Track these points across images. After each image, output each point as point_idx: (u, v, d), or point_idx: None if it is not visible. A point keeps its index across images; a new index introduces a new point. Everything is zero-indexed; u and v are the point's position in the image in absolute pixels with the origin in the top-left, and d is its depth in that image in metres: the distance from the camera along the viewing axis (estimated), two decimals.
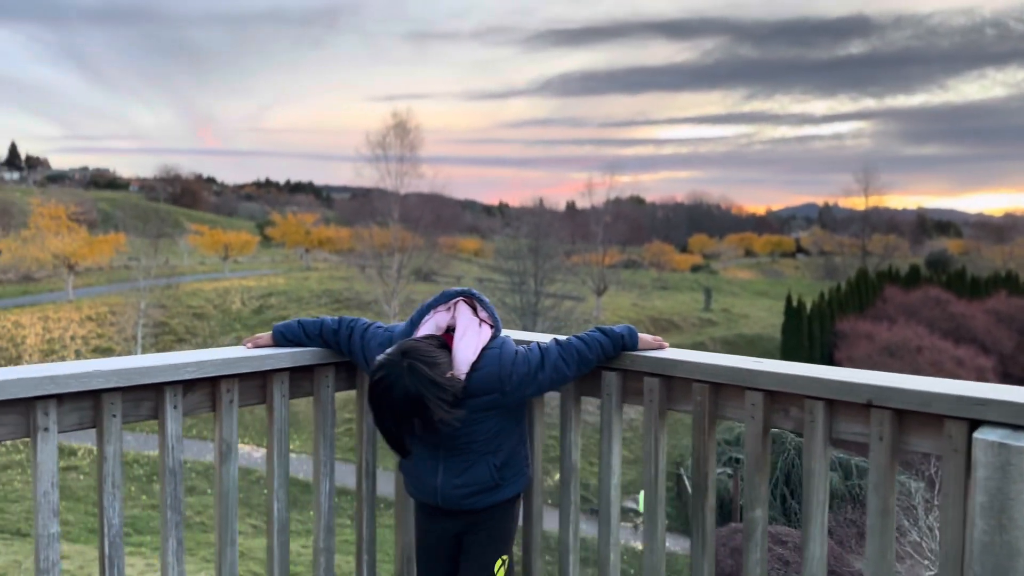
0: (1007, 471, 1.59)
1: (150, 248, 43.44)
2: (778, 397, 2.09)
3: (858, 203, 75.77)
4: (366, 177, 40.16)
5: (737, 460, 21.14)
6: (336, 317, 2.62)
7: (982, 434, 1.65)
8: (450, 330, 2.38)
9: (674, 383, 2.32)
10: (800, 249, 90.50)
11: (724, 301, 48.00)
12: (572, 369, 2.36)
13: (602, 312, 39.45)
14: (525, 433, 2.55)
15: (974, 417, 1.71)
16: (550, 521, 2.84)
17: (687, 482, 20.45)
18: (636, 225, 71.32)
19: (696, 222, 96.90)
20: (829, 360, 33.57)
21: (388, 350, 2.25)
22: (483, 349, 2.34)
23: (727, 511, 19.76)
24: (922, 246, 79.05)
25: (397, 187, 37.35)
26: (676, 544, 19.06)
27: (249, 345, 2.51)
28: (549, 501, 2.84)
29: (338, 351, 2.56)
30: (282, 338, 2.55)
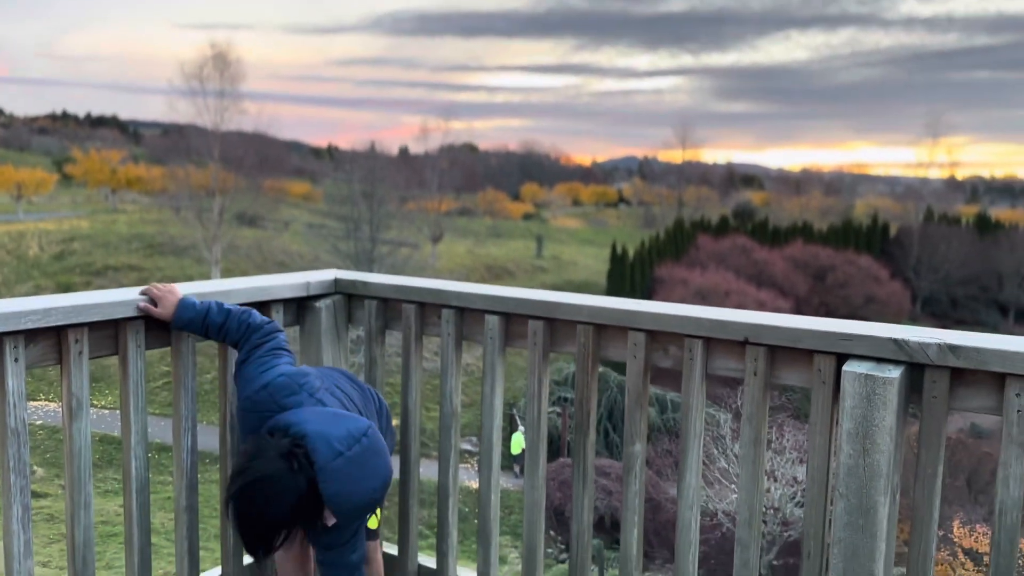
0: (871, 400, 1.76)
1: None
2: (658, 336, 2.18)
3: (674, 156, 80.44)
4: (180, 112, 37.14)
5: (566, 399, 22.16)
6: (252, 317, 2.29)
7: (850, 367, 1.81)
8: None
9: (557, 325, 2.35)
10: (622, 199, 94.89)
11: (554, 248, 49.59)
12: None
13: (438, 259, 39.51)
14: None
15: (841, 351, 1.87)
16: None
17: (519, 422, 21.18)
18: (470, 172, 71.58)
19: (528, 171, 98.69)
20: None
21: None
22: None
23: (556, 447, 20.73)
24: (730, 198, 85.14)
25: (217, 124, 34.96)
26: (507, 481, 19.73)
27: (146, 297, 2.26)
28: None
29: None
30: (185, 308, 2.27)
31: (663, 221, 58.55)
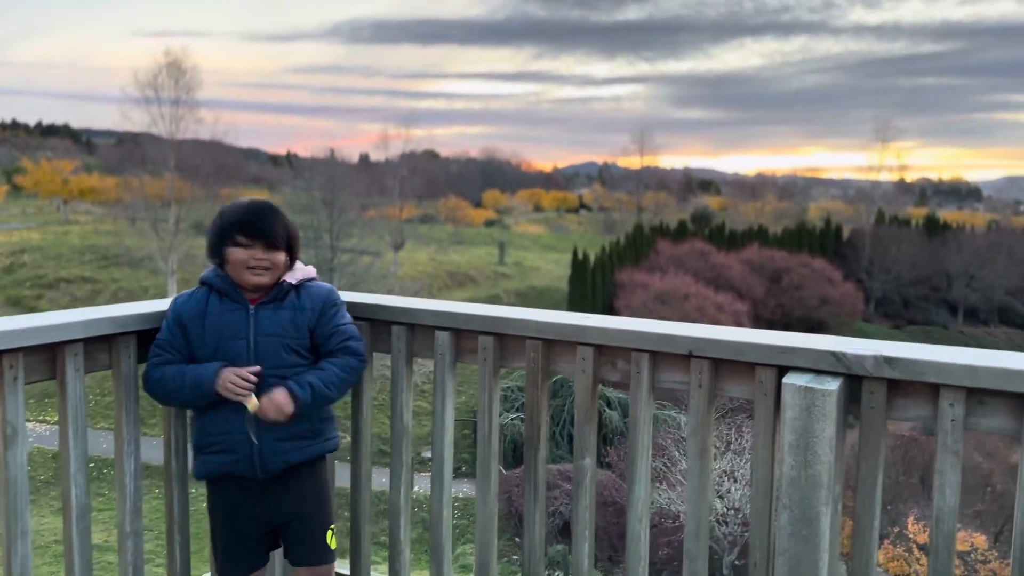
0: (811, 412, 1.79)
1: None
2: (606, 351, 2.19)
3: (633, 162, 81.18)
4: (135, 121, 36.38)
5: None
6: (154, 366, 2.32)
7: (790, 379, 1.84)
8: None
9: (507, 340, 2.35)
10: (583, 205, 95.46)
11: (517, 255, 49.62)
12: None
13: (400, 267, 39.28)
14: None
15: (782, 364, 1.90)
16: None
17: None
18: (431, 179, 71.33)
19: (489, 177, 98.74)
20: (609, 308, 35.98)
21: None
22: (311, 279, 2.42)
23: (520, 454, 20.73)
24: (688, 203, 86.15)
25: (172, 133, 34.34)
26: (464, 487, 19.45)
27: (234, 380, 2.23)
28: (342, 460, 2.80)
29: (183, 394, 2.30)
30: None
31: (623, 226, 59.03)
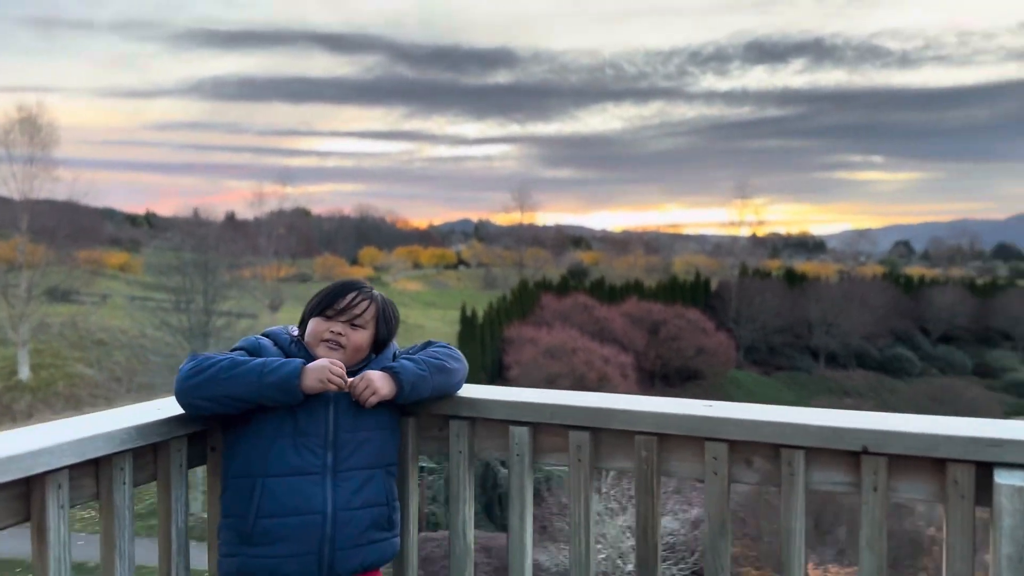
0: None
1: None
2: (739, 446, 1.85)
3: (513, 219, 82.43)
4: None
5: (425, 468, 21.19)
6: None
7: (1004, 478, 1.55)
8: None
9: (605, 436, 1.96)
10: (461, 261, 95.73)
11: (400, 313, 48.74)
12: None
13: None
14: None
15: (985, 460, 1.62)
16: None
17: None
18: (305, 238, 69.48)
19: (364, 235, 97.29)
20: (500, 364, 35.73)
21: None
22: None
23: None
24: (563, 258, 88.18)
25: (25, 192, 31.58)
26: None
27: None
28: None
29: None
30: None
31: (504, 282, 59.43)
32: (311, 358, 2.00)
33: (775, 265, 74.55)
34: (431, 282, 79.52)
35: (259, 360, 1.92)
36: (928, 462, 1.69)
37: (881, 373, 50.28)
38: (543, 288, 47.89)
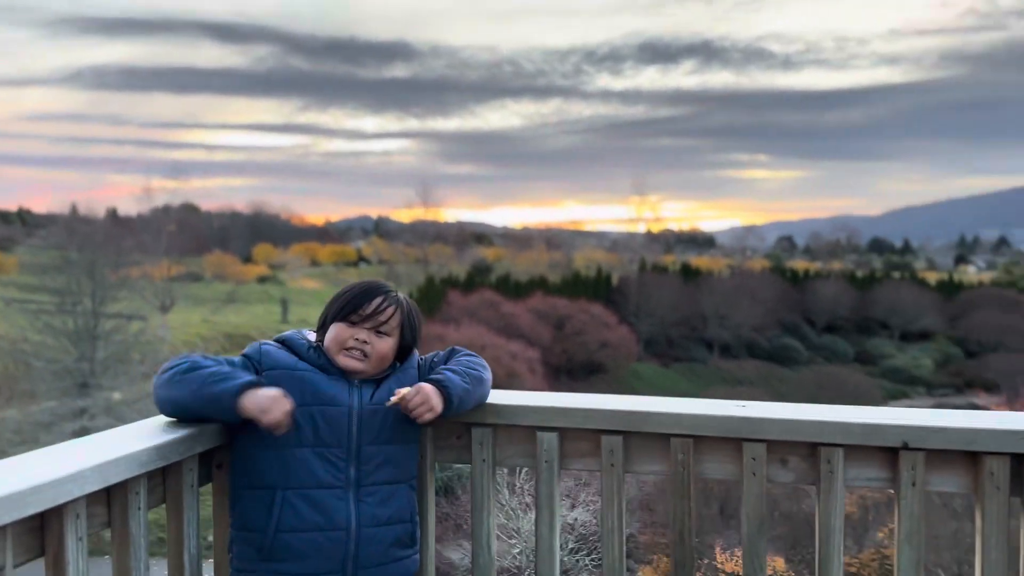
0: None
1: None
2: (776, 446, 1.87)
3: (410, 215, 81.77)
4: None
5: None
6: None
7: None
8: None
9: (636, 439, 1.94)
10: (362, 258, 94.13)
11: (300, 311, 47.42)
12: None
13: (171, 331, 35.78)
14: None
15: (1021, 452, 1.69)
16: None
17: None
18: (194, 234, 66.59)
19: (258, 231, 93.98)
20: None
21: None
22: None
23: None
24: (465, 254, 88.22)
25: None
26: None
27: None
28: None
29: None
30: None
31: (409, 279, 58.83)
32: (332, 365, 1.90)
33: (670, 260, 77.00)
34: (331, 280, 77.72)
35: (214, 369, 1.80)
36: (962, 455, 1.75)
37: (771, 363, 52.81)
38: (449, 284, 47.72)
